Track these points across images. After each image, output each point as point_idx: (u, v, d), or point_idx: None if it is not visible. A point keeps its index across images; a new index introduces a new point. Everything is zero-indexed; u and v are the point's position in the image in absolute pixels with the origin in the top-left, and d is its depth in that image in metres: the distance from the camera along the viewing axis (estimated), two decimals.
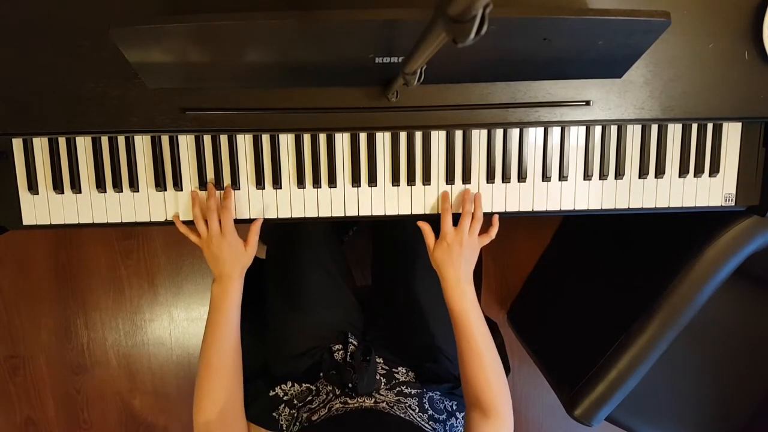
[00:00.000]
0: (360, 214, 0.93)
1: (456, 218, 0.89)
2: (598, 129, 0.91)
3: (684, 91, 0.84)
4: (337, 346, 1.02)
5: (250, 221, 0.92)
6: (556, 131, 0.91)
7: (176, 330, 1.82)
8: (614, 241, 1.38)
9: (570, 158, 0.92)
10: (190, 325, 1.82)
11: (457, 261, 0.85)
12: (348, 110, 0.83)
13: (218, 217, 0.87)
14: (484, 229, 0.90)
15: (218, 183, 0.90)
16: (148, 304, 1.81)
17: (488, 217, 0.92)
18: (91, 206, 0.91)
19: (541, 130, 0.91)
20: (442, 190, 0.92)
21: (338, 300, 1.07)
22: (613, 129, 0.91)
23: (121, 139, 0.89)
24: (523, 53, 0.73)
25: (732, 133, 0.92)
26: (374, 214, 0.93)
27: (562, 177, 0.92)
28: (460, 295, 0.85)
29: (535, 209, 0.94)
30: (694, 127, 0.92)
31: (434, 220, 0.91)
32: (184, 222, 0.90)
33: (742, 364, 1.28)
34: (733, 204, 0.94)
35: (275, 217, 0.92)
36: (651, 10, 0.66)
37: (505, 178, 0.92)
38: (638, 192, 0.93)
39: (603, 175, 0.92)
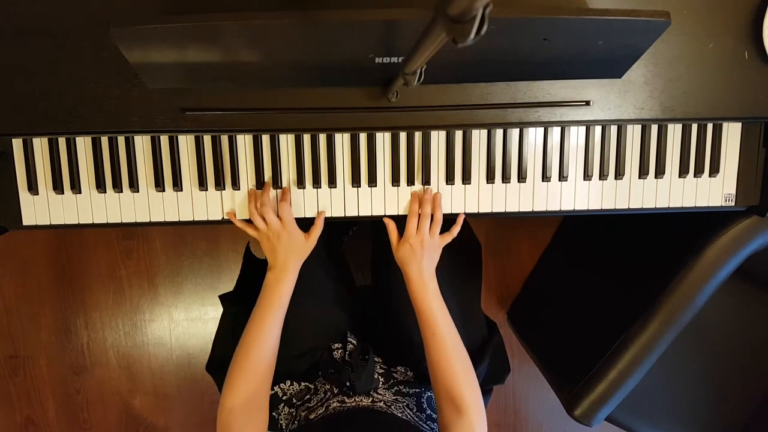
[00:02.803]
0: (360, 214, 0.93)
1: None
2: (598, 129, 0.91)
3: (684, 91, 0.84)
4: (336, 345, 1.02)
5: (250, 221, 0.92)
6: (556, 131, 0.91)
7: (176, 330, 1.82)
8: (614, 241, 1.38)
9: (570, 158, 0.92)
10: (190, 325, 1.82)
11: (419, 260, 0.87)
12: (348, 110, 0.83)
13: (274, 211, 0.88)
14: (447, 228, 0.91)
15: (219, 184, 0.90)
16: (148, 304, 1.80)
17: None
18: (91, 206, 0.91)
19: (541, 130, 0.91)
20: (442, 190, 0.92)
21: (338, 299, 1.07)
22: (613, 129, 0.91)
23: (121, 140, 0.89)
24: (523, 53, 0.73)
25: (732, 133, 0.92)
26: (374, 214, 0.93)
27: (562, 177, 0.92)
28: (423, 288, 0.87)
29: (535, 209, 0.94)
30: (694, 127, 0.92)
31: None
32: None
33: (742, 364, 1.28)
34: (733, 204, 0.94)
35: None
36: (651, 10, 0.66)
37: (505, 178, 0.92)
38: (638, 192, 0.93)
39: (603, 175, 0.92)
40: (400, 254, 0.89)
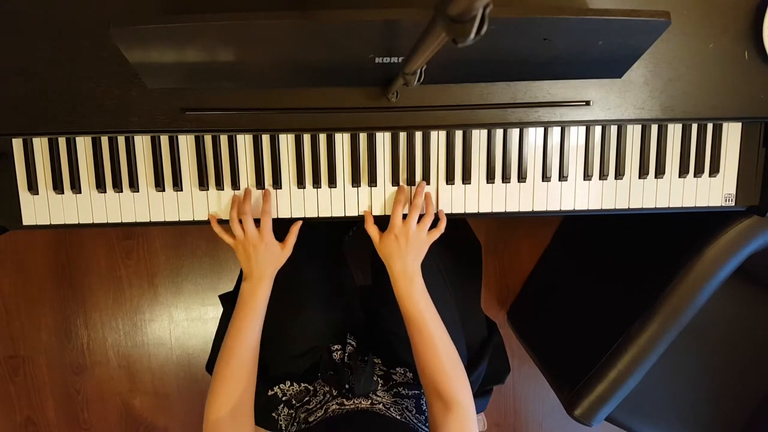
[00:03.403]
0: (360, 214, 0.93)
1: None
2: (598, 129, 0.91)
3: (684, 91, 0.84)
4: (335, 347, 1.02)
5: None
6: (556, 131, 0.91)
7: (176, 330, 1.82)
8: (614, 241, 1.38)
9: (570, 158, 0.92)
10: (190, 325, 1.82)
11: (404, 253, 0.85)
12: (348, 110, 0.83)
13: (252, 219, 0.87)
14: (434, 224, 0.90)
15: (219, 184, 0.90)
16: (148, 304, 1.80)
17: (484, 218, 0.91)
18: (91, 206, 0.91)
19: (541, 130, 0.91)
20: (443, 190, 0.92)
21: (338, 300, 1.07)
22: (613, 129, 0.91)
23: (121, 139, 0.89)
24: (523, 53, 0.73)
25: (732, 133, 0.92)
26: (374, 214, 0.92)
27: (562, 177, 0.92)
28: (408, 285, 0.85)
29: (535, 209, 0.94)
30: (694, 127, 0.92)
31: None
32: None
33: (742, 364, 1.28)
34: (733, 204, 0.94)
35: (275, 217, 0.92)
36: (651, 10, 0.66)
37: (505, 178, 0.92)
38: (638, 192, 0.93)
39: (603, 175, 0.92)
40: (384, 247, 0.87)
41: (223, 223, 0.92)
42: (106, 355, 1.83)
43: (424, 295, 0.86)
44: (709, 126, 0.92)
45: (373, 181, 0.91)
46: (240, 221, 0.87)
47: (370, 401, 0.89)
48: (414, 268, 0.86)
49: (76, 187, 0.90)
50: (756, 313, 1.28)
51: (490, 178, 0.92)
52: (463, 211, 0.93)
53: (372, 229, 0.89)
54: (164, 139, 0.89)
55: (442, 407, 0.81)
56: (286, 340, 1.03)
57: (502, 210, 0.93)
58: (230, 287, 1.21)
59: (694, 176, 0.93)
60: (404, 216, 0.88)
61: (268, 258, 0.87)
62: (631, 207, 0.94)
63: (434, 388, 0.83)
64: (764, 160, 0.92)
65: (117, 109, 0.81)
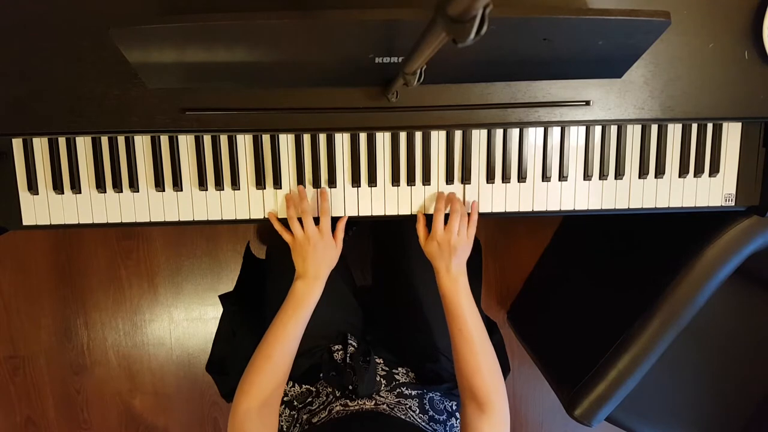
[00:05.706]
0: (360, 214, 0.93)
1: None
2: (598, 129, 0.91)
3: (684, 91, 0.84)
4: (336, 347, 1.02)
5: (251, 221, 0.92)
6: (556, 131, 0.91)
7: (176, 330, 1.82)
8: (614, 241, 1.38)
9: (570, 158, 0.92)
10: (190, 325, 1.82)
11: (446, 256, 0.87)
12: (348, 110, 0.83)
13: (312, 217, 0.88)
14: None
15: (219, 184, 0.90)
16: (148, 304, 1.80)
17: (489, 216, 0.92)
18: (91, 206, 0.91)
19: (541, 130, 0.91)
20: (442, 190, 0.92)
21: (338, 300, 1.07)
22: (613, 129, 0.91)
23: (121, 139, 0.89)
24: (523, 53, 0.73)
25: (732, 133, 0.92)
26: (374, 214, 0.93)
27: (562, 177, 0.92)
28: (452, 282, 0.87)
29: (535, 209, 0.94)
30: (694, 127, 0.92)
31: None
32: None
33: (742, 364, 1.28)
34: (733, 204, 0.94)
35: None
36: (651, 10, 0.66)
37: (505, 178, 0.92)
38: (638, 192, 0.93)
39: (603, 175, 0.92)
40: (429, 251, 0.89)
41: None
42: (106, 355, 1.83)
43: (467, 295, 0.88)
44: (709, 126, 0.92)
45: (373, 181, 0.91)
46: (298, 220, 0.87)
47: (374, 402, 0.89)
48: (458, 268, 0.87)
49: (76, 187, 0.90)
50: (756, 313, 1.27)
51: (489, 178, 0.92)
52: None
53: (421, 230, 0.91)
54: (164, 139, 0.89)
55: (477, 408, 0.82)
56: None
57: (502, 210, 0.93)
58: (230, 287, 1.21)
59: (694, 176, 0.93)
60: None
61: (326, 257, 0.88)
62: (631, 207, 0.94)
63: (470, 389, 0.83)
64: (764, 160, 0.92)
65: (117, 109, 0.81)
